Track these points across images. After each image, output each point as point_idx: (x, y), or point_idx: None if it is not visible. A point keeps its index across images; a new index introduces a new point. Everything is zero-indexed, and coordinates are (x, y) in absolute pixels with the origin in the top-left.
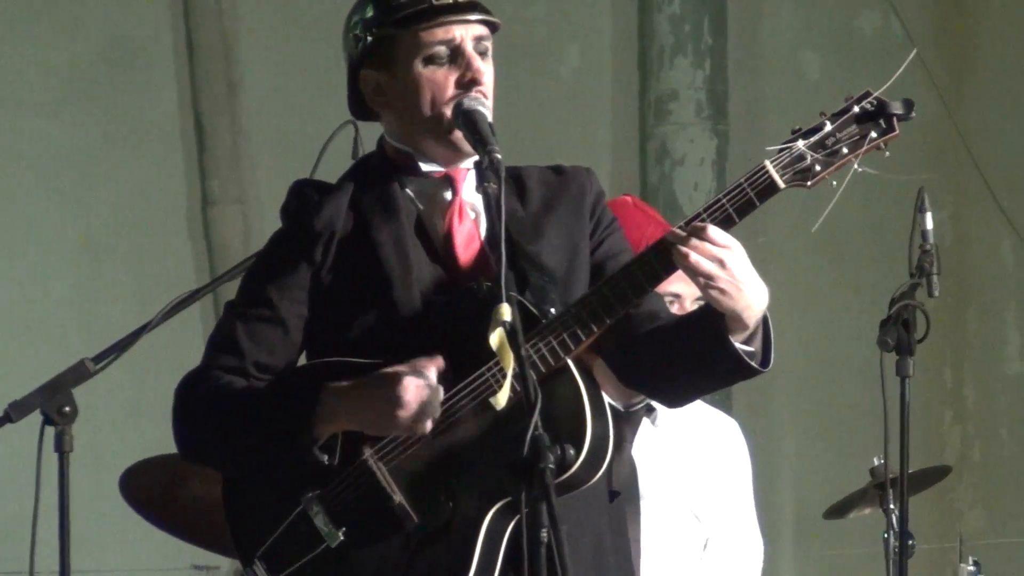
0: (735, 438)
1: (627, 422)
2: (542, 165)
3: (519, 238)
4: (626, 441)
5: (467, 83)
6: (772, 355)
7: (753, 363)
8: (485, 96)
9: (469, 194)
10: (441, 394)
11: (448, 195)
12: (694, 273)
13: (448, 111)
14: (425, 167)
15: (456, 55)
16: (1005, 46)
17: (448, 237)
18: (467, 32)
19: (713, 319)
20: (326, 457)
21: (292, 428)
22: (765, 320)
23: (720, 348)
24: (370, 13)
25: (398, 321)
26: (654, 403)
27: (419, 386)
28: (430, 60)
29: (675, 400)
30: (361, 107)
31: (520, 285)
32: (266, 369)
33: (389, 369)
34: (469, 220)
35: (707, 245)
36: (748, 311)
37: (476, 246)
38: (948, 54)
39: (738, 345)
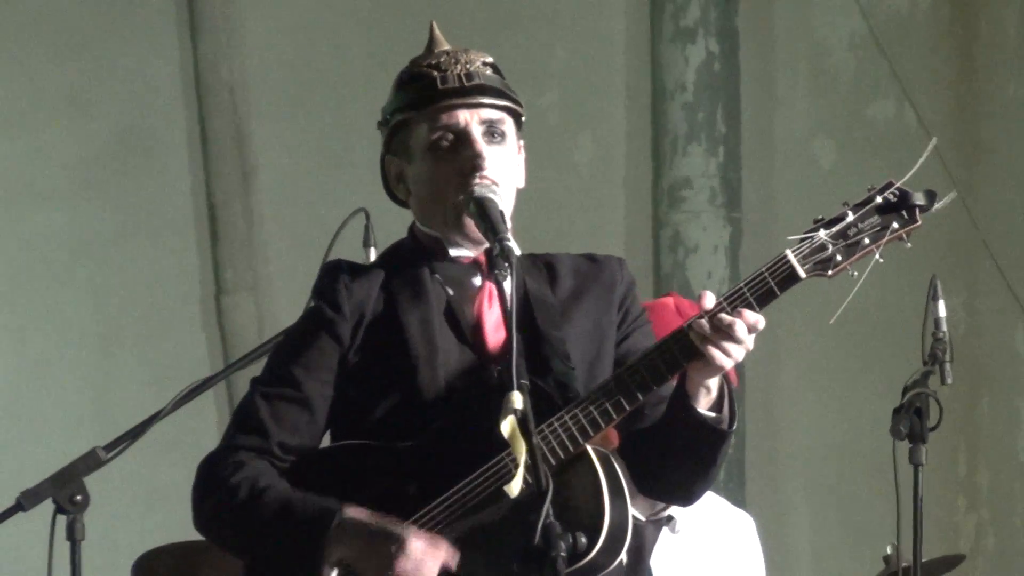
0: (750, 536)
1: (648, 532)
2: (575, 253)
3: (546, 324)
4: (645, 551)
5: (468, 169)
6: (735, 417)
7: (720, 426)
8: (493, 182)
9: None
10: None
11: (477, 280)
12: (714, 362)
13: (454, 200)
14: (453, 252)
15: (461, 141)
16: (1019, 133)
17: (477, 322)
18: (473, 116)
19: (677, 393)
20: (335, 573)
21: (302, 547)
22: (726, 386)
23: (686, 416)
24: (390, 99)
25: (422, 404)
26: (673, 512)
27: (420, 558)
28: (436, 147)
29: (677, 495)
30: (393, 193)
31: (542, 370)
32: (290, 449)
33: (404, 526)
34: (497, 305)
35: (730, 344)
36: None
37: (503, 331)
38: (961, 142)
39: (704, 412)
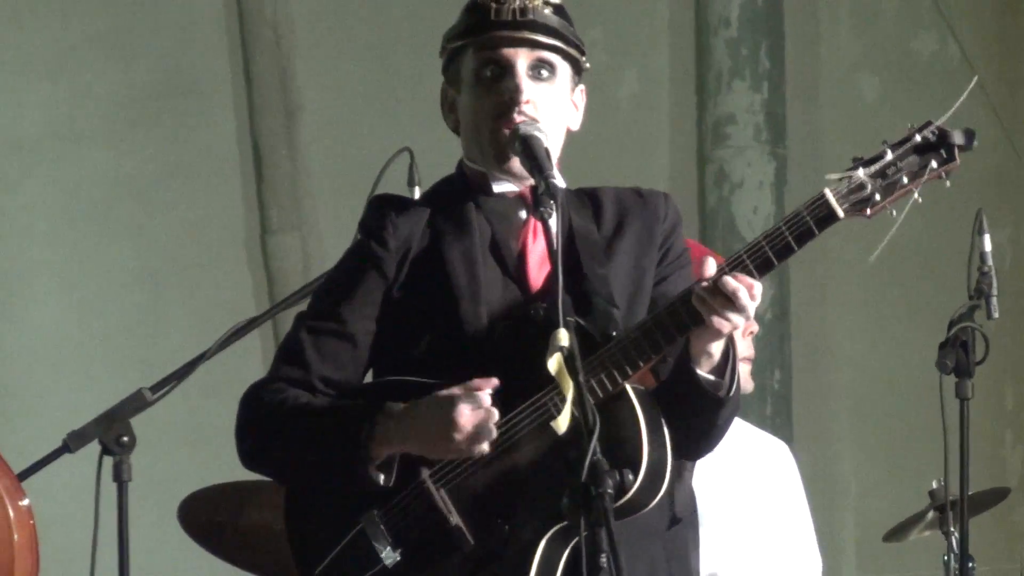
0: (786, 460)
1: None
2: (622, 187)
3: (589, 261)
4: (686, 469)
5: (506, 102)
6: (735, 385)
7: (717, 392)
8: (532, 119)
9: None
10: (496, 416)
11: (523, 214)
12: (713, 327)
13: (494, 134)
14: (497, 188)
15: (504, 74)
16: None
17: (521, 257)
18: (519, 53)
19: (681, 354)
20: (382, 477)
21: (348, 449)
22: (731, 351)
23: (686, 378)
24: (455, 23)
25: (464, 340)
26: None
27: (474, 408)
28: (480, 78)
29: (680, 451)
30: None
31: (584, 308)
32: (332, 384)
33: (443, 392)
34: (542, 239)
35: (730, 312)
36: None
37: (549, 265)
38: (1006, 75)
39: (702, 374)
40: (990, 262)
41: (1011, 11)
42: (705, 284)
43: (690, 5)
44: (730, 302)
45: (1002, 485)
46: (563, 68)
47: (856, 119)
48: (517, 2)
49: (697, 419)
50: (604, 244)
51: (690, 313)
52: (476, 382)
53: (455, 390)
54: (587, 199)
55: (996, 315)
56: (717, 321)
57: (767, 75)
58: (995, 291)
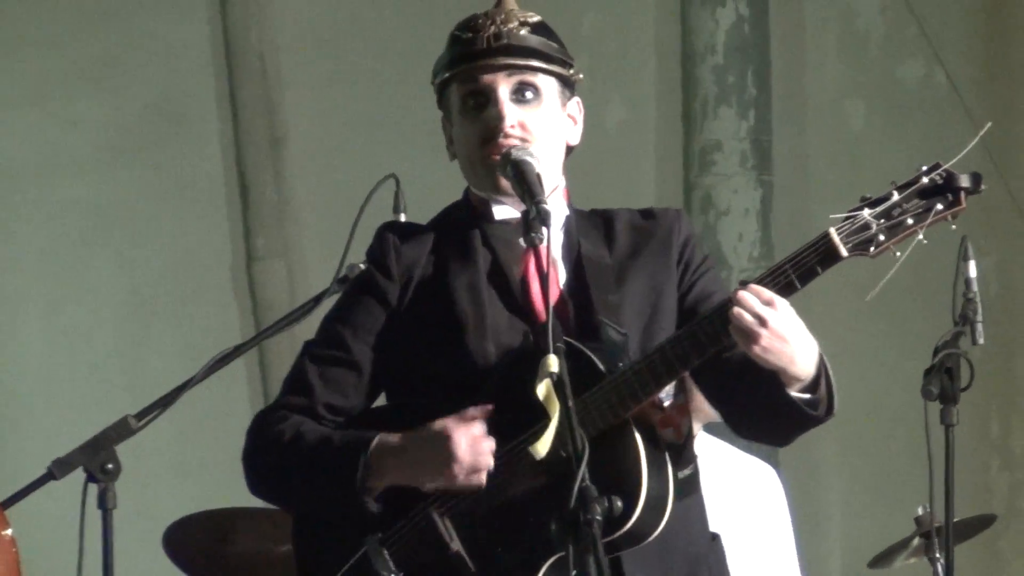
0: (773, 485)
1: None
2: (634, 208)
3: (599, 288)
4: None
5: (491, 130)
6: (836, 401)
7: (813, 411)
8: (523, 140)
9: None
10: (492, 445)
11: (523, 241)
12: (736, 331)
13: (484, 161)
14: (499, 214)
15: (486, 102)
16: None
17: (524, 283)
18: (497, 76)
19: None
20: (379, 508)
21: (345, 483)
22: (825, 367)
23: (779, 398)
24: (438, 58)
25: (469, 368)
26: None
27: (470, 440)
28: (465, 108)
29: (765, 441)
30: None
31: (592, 337)
32: (337, 411)
33: (438, 424)
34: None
35: (749, 303)
36: (792, 367)
37: (555, 292)
38: (992, 102)
39: (795, 394)
40: (975, 288)
41: (998, 38)
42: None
43: (676, 32)
44: (747, 302)
45: (988, 512)
46: (548, 86)
47: (843, 146)
48: (491, 29)
49: (781, 427)
50: (616, 268)
51: (724, 322)
52: (471, 411)
53: (449, 421)
54: (600, 221)
55: (981, 341)
56: (736, 317)
57: (753, 102)
58: (980, 317)
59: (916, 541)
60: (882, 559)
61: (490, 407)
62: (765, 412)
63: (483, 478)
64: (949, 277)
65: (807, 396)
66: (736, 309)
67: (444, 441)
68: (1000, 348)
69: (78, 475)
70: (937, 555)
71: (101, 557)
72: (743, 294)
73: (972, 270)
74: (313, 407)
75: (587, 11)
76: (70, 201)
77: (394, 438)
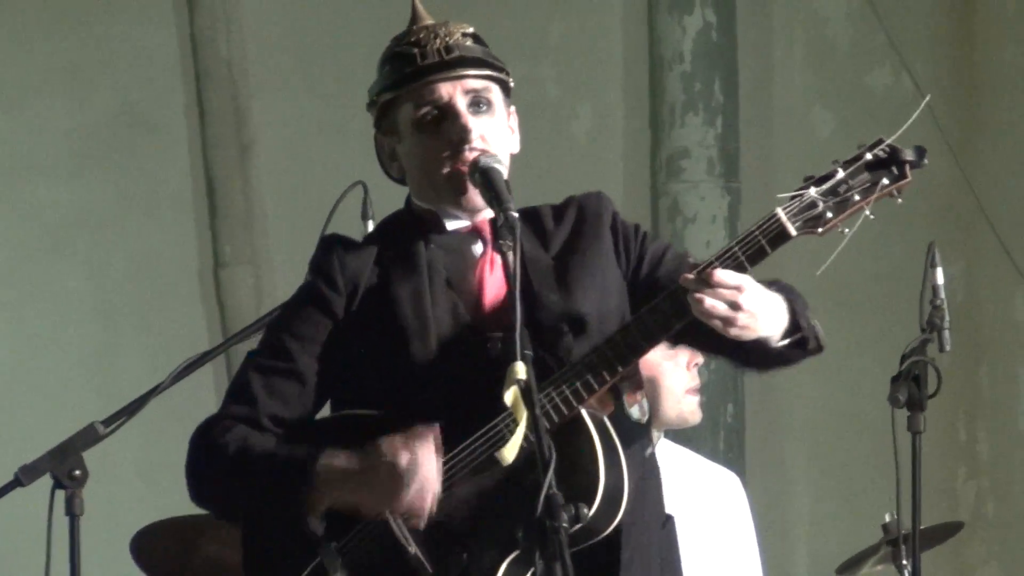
0: (736, 492)
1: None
2: (555, 204)
3: (541, 288)
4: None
5: (456, 142)
6: (821, 335)
7: (803, 349)
8: (485, 152)
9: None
10: (437, 467)
11: (477, 248)
12: (709, 317)
13: (448, 173)
14: (451, 225)
15: (446, 115)
16: (1017, 100)
17: (479, 290)
18: (456, 88)
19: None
20: (323, 527)
21: (288, 504)
22: (797, 312)
23: (768, 350)
24: (376, 78)
25: (416, 376)
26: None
27: (416, 465)
28: (422, 123)
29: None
30: (388, 171)
31: (538, 334)
32: (280, 422)
33: (385, 445)
34: (500, 269)
35: (720, 290)
36: (772, 334)
37: (504, 295)
38: (959, 109)
39: (781, 344)
40: (942, 295)
41: (964, 46)
42: (691, 276)
43: (644, 39)
44: (712, 289)
45: (954, 519)
46: (497, 96)
47: (810, 153)
48: (438, 41)
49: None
50: (556, 267)
51: (675, 307)
52: (419, 429)
53: (397, 442)
54: (528, 221)
55: (948, 348)
56: (709, 306)
57: (721, 109)
58: (947, 324)
59: (883, 548)
60: (849, 566)
61: (436, 427)
62: (761, 357)
63: (428, 503)
64: (916, 284)
65: (792, 338)
66: (708, 302)
67: (390, 468)
68: (966, 355)
69: (45, 481)
70: (904, 562)
71: (68, 564)
72: (716, 280)
73: (940, 277)
74: (257, 418)
75: (554, 19)
76: (37, 207)
77: (340, 460)
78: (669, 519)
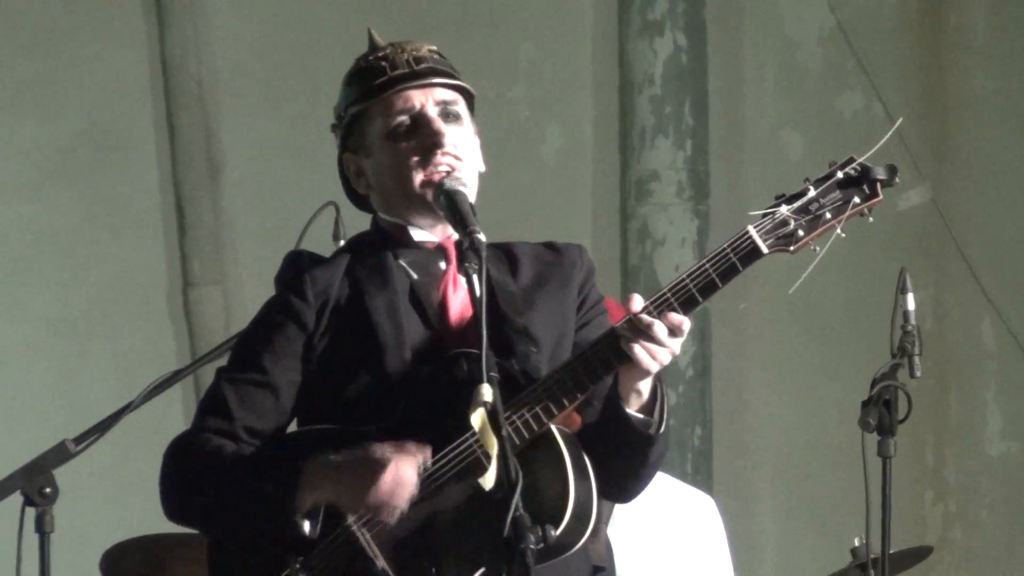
0: (711, 514)
1: (603, 502)
2: (536, 242)
3: (508, 310)
4: (602, 522)
5: (428, 147)
6: (664, 422)
7: (647, 430)
8: (456, 158)
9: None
10: (418, 469)
11: (442, 265)
12: (640, 365)
13: (420, 180)
14: (417, 237)
15: (418, 122)
16: (986, 126)
17: (443, 306)
18: (427, 98)
19: (610, 393)
20: (308, 526)
21: (275, 498)
22: (660, 390)
23: (616, 416)
24: (342, 96)
25: (390, 387)
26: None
27: (399, 477)
28: (394, 132)
29: (612, 492)
30: (354, 194)
31: (505, 353)
32: (256, 434)
33: (376, 453)
34: (463, 289)
35: (653, 346)
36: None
37: (470, 314)
38: (929, 134)
39: (632, 413)
40: (913, 321)
41: (935, 71)
42: (629, 320)
43: (614, 62)
44: (655, 338)
45: (923, 543)
46: (464, 110)
47: (780, 177)
48: (406, 55)
49: (627, 458)
50: (523, 295)
51: (615, 351)
52: (411, 446)
53: (387, 451)
54: (503, 254)
55: (919, 374)
56: (643, 357)
57: (691, 132)
58: (918, 350)
59: (852, 573)
60: None
61: (428, 450)
62: (608, 441)
63: (404, 500)
64: (886, 310)
65: (642, 417)
66: (639, 353)
67: (373, 461)
68: (934, 381)
69: (15, 499)
70: None
71: None
72: (650, 334)
73: (911, 303)
74: (233, 430)
75: (524, 41)
76: (4, 225)
77: (326, 456)
78: (600, 570)
